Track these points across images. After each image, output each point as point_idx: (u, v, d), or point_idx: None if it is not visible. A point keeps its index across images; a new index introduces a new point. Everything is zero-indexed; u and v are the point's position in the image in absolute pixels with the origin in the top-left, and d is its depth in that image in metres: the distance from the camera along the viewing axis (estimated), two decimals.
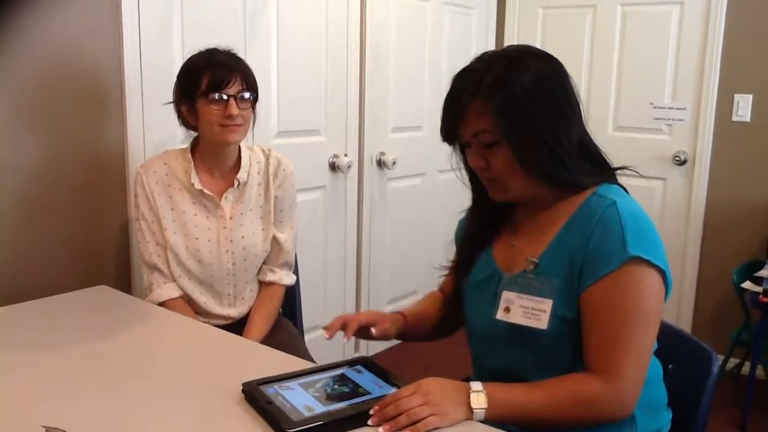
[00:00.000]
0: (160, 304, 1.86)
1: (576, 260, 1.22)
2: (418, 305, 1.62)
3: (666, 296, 1.23)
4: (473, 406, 1.14)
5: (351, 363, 1.39)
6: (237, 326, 1.93)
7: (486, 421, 1.15)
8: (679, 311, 3.43)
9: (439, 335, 1.60)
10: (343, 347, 3.16)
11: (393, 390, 1.24)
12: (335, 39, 2.90)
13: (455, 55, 3.53)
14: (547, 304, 1.23)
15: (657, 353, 1.35)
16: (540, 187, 1.28)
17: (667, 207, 3.43)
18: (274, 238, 1.98)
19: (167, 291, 1.88)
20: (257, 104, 1.89)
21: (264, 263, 2.00)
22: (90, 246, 2.14)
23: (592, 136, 1.32)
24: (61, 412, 1.22)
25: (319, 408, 1.20)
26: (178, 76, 1.86)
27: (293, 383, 1.29)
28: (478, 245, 1.43)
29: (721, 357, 3.01)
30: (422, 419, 1.11)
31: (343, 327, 1.46)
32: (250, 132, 1.92)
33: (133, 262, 2.23)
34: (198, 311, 1.93)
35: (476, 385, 1.17)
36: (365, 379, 1.33)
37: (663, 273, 1.20)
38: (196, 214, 1.89)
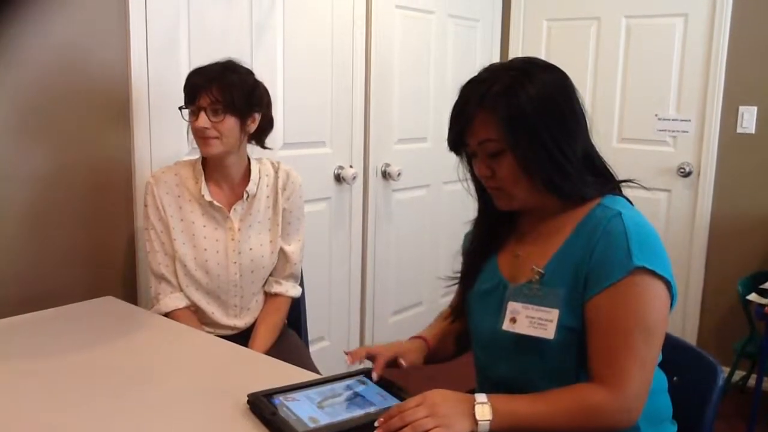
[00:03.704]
0: (167, 314, 1.87)
1: (581, 270, 1.23)
2: (435, 326, 1.59)
3: (671, 307, 1.24)
4: (478, 417, 1.14)
5: (355, 374, 1.40)
6: (243, 337, 1.94)
7: None
8: (684, 323, 3.42)
9: (459, 352, 1.58)
10: None
11: (397, 401, 1.25)
12: (340, 51, 2.91)
13: (460, 67, 3.54)
14: (554, 314, 1.23)
15: (662, 365, 1.35)
16: (544, 196, 1.29)
17: (671, 219, 3.43)
18: (281, 250, 1.99)
19: (174, 301, 1.89)
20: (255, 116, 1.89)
21: (270, 275, 2.01)
22: (96, 257, 2.15)
23: (597, 149, 1.33)
24: (67, 422, 1.22)
25: (324, 419, 1.20)
26: None
27: (298, 394, 1.30)
28: (483, 255, 1.44)
29: (726, 369, 3.01)
30: (427, 431, 1.11)
31: (369, 357, 1.44)
32: (252, 144, 1.93)
33: (139, 272, 2.24)
34: (205, 321, 1.94)
35: (481, 397, 1.17)
36: (370, 390, 1.33)
37: (668, 283, 1.21)
38: (205, 225, 1.90)
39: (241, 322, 1.98)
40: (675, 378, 1.42)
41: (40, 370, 1.44)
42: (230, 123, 1.82)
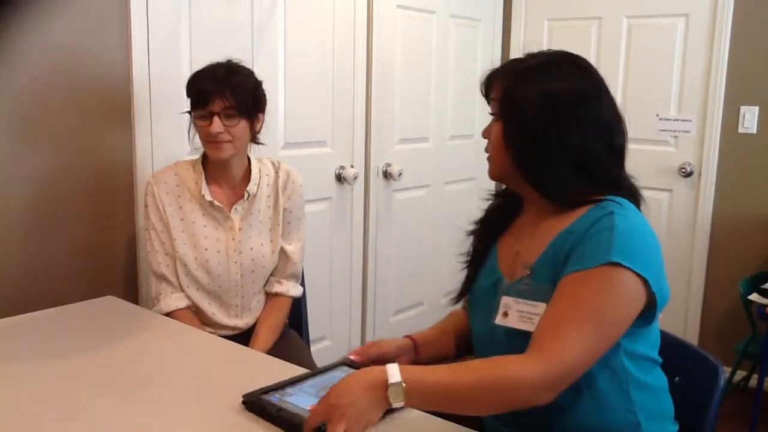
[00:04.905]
0: (168, 314, 1.87)
1: (563, 260, 1.23)
2: (436, 325, 1.60)
3: (658, 307, 1.22)
4: (391, 400, 1.11)
5: (338, 365, 1.44)
6: (244, 337, 1.94)
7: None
8: (686, 324, 3.42)
9: (463, 349, 1.57)
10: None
11: None
12: (342, 51, 2.92)
13: (461, 67, 3.54)
14: (541, 308, 1.23)
15: (663, 366, 1.35)
16: (527, 186, 1.32)
17: (673, 219, 3.43)
18: (282, 250, 1.99)
19: (175, 301, 1.89)
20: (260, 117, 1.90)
21: (271, 274, 2.01)
22: (97, 256, 2.15)
23: (607, 159, 1.30)
24: (68, 422, 1.22)
25: None
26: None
27: (291, 390, 1.32)
28: (484, 236, 1.46)
29: (728, 370, 3.01)
30: None
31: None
32: (246, 146, 1.93)
33: (140, 272, 2.24)
34: (206, 322, 1.94)
35: (393, 375, 1.11)
36: None
37: (646, 282, 1.18)
38: (205, 225, 1.90)
39: (242, 322, 1.98)
40: (676, 378, 1.41)
41: (42, 370, 1.44)
42: (242, 126, 1.83)
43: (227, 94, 1.78)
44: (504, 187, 1.47)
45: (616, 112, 1.33)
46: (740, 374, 3.18)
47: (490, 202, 1.51)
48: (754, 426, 2.74)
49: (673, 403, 1.36)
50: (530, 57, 1.34)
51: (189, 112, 1.86)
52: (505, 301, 1.31)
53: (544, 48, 1.37)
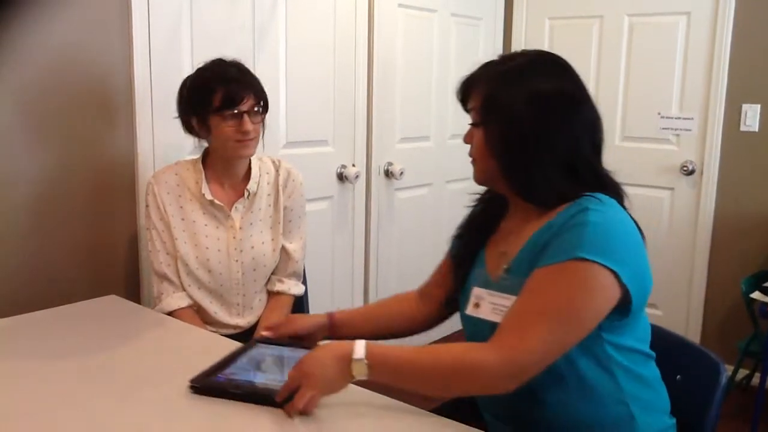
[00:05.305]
0: (169, 314, 1.87)
1: (538, 255, 1.24)
2: (369, 304, 1.67)
3: (633, 299, 1.21)
4: (354, 373, 1.20)
5: (253, 345, 1.50)
6: (245, 336, 1.94)
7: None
8: (688, 322, 3.42)
9: (398, 334, 1.61)
10: None
11: (303, 350, 1.35)
12: (343, 50, 2.92)
13: (462, 66, 3.51)
14: (513, 300, 1.24)
15: (665, 363, 1.35)
16: (512, 189, 1.32)
17: (675, 217, 3.43)
18: (283, 249, 2.00)
19: (176, 300, 1.89)
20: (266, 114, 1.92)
21: (273, 273, 2.02)
22: (99, 256, 2.16)
23: (590, 158, 1.30)
24: (68, 422, 1.22)
25: (279, 378, 1.30)
26: (187, 89, 1.88)
27: (231, 369, 1.37)
28: (471, 242, 1.47)
29: (729, 368, 3.00)
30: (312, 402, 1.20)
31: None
32: (260, 142, 1.94)
33: (142, 271, 2.24)
34: (207, 321, 1.94)
35: (359, 350, 1.20)
36: (276, 350, 1.46)
37: (618, 276, 1.17)
38: (206, 225, 1.90)
39: (244, 321, 1.98)
40: (678, 376, 1.41)
41: (42, 370, 1.44)
42: (261, 122, 1.88)
43: (251, 92, 1.82)
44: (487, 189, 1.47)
45: (595, 109, 1.34)
46: (742, 372, 3.18)
47: (475, 206, 1.51)
48: (755, 425, 2.74)
49: (675, 401, 1.36)
50: (506, 59, 1.33)
51: (197, 112, 1.85)
52: (477, 292, 1.33)
53: (521, 49, 1.38)
